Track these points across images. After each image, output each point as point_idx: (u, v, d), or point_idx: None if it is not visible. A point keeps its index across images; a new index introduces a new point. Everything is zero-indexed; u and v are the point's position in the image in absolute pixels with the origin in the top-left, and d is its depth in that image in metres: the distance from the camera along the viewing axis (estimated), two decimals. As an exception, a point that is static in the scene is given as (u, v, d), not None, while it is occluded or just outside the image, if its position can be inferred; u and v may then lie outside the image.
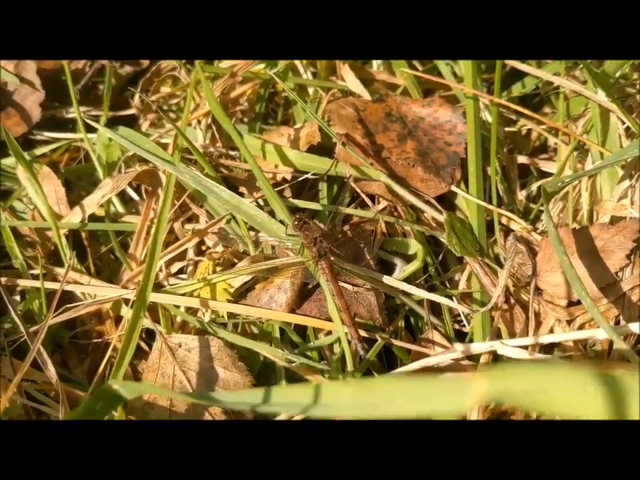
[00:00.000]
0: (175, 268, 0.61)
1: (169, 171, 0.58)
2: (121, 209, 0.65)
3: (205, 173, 0.60)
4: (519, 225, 0.61)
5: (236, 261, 0.60)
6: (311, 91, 0.71)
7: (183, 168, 0.58)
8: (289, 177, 0.61)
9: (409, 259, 0.59)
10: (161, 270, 0.60)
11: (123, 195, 0.66)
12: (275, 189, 0.58)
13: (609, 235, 0.56)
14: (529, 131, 0.72)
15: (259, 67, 0.71)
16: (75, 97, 0.71)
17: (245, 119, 0.71)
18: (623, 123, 0.62)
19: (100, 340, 0.59)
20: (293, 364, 0.54)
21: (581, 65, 0.66)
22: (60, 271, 0.60)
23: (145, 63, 0.81)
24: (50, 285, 0.58)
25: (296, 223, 0.54)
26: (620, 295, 0.54)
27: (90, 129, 0.71)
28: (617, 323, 0.55)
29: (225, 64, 0.75)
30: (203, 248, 0.63)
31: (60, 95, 0.78)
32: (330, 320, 0.55)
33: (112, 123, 0.71)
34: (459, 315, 0.59)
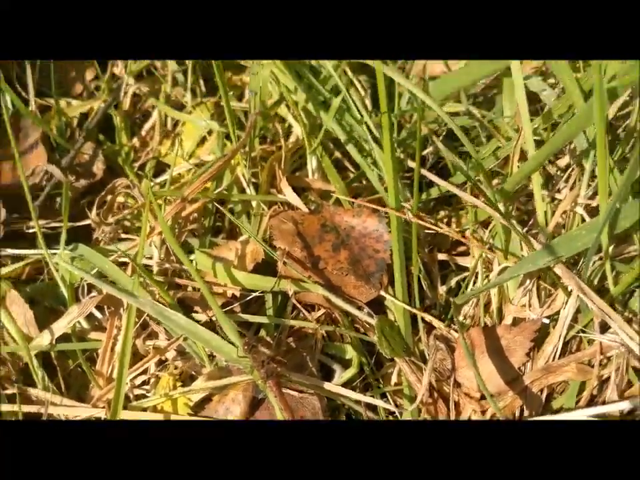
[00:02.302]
0: (138, 380, 0.68)
1: (129, 302, 0.65)
2: (85, 325, 0.72)
3: (161, 296, 0.68)
4: (440, 324, 0.70)
5: (194, 373, 0.67)
6: (254, 203, 0.79)
7: (142, 299, 0.65)
8: (237, 294, 0.70)
9: (346, 362, 0.68)
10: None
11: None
12: (225, 309, 0.66)
13: (511, 335, 0.66)
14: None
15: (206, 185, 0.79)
16: (35, 215, 0.77)
17: (196, 233, 0.79)
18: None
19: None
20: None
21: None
22: (33, 391, 0.67)
23: (99, 175, 0.89)
24: (26, 409, 0.64)
25: (245, 347, 0.62)
26: (522, 387, 0.65)
27: (50, 239, 0.78)
28: (521, 412, 0.65)
29: (174, 181, 0.83)
30: (162, 358, 0.70)
31: (18, 207, 0.84)
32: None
33: (70, 233, 0.78)
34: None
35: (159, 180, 0.87)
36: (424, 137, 0.85)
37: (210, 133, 0.89)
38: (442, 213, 0.85)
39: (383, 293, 0.71)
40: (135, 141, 0.92)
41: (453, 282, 0.77)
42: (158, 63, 0.96)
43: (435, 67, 0.95)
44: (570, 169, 0.73)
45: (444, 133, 0.88)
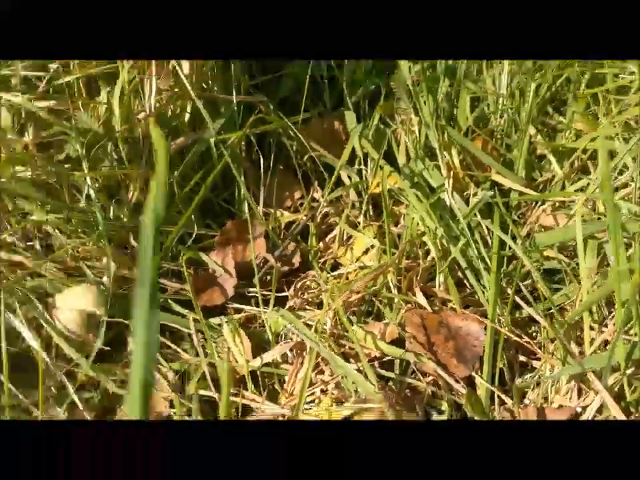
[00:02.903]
0: (308, 399, 1.07)
1: (313, 347, 1.06)
2: (279, 359, 1.13)
3: (330, 347, 1.08)
4: (509, 400, 1.04)
5: (343, 400, 1.05)
6: (396, 300, 1.18)
7: (322, 349, 1.06)
8: (378, 355, 1.08)
9: (441, 414, 1.03)
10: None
11: (280, 350, 1.15)
12: (370, 362, 1.05)
13: (553, 415, 0.98)
14: (530, 338, 1.16)
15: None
16: (258, 284, 1.21)
17: (355, 312, 1.19)
18: (578, 347, 1.05)
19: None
20: None
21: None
22: (246, 393, 1.08)
23: (296, 264, 1.32)
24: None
25: (379, 387, 0.99)
26: (557, 451, 0.95)
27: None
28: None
29: (345, 276, 1.25)
30: (324, 388, 1.09)
31: (242, 277, 1.29)
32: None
33: (275, 300, 1.20)
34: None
35: (334, 273, 1.29)
36: (528, 270, 1.20)
37: (372, 246, 1.30)
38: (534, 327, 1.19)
39: (474, 374, 1.06)
40: (321, 244, 1.36)
41: (527, 377, 1.10)
42: (343, 193, 1.40)
43: (547, 219, 1.31)
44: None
45: (542, 270, 1.22)
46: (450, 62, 1.50)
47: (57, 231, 1.16)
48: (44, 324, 1.03)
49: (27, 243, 1.15)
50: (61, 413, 0.92)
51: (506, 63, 1.40)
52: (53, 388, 0.99)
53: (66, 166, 1.19)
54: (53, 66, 1.22)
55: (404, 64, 1.39)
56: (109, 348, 1.06)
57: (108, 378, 1.02)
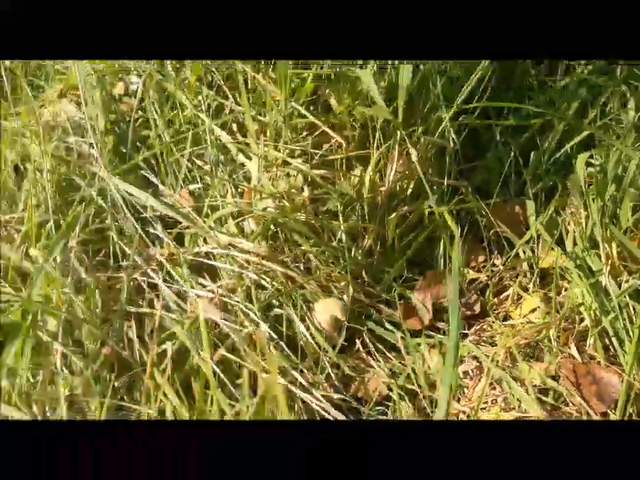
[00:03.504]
0: (481, 406, 1.48)
1: (490, 369, 1.47)
2: (461, 375, 1.56)
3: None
4: (635, 436, 1.38)
5: (507, 410, 1.45)
6: (554, 349, 1.57)
7: (498, 371, 1.47)
8: (537, 384, 1.47)
9: (581, 434, 1.40)
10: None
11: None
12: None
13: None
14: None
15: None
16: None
17: (521, 352, 1.59)
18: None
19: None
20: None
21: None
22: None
23: (477, 310, 1.75)
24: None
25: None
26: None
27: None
28: None
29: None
30: (494, 400, 1.50)
31: (436, 312, 1.73)
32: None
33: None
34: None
35: (505, 323, 1.70)
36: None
37: (538, 307, 1.70)
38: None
39: (608, 410, 1.42)
40: (496, 300, 1.77)
41: (650, 421, 1.44)
42: (518, 264, 1.81)
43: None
44: None
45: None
46: (619, 171, 1.89)
47: (315, 259, 1.68)
48: (307, 320, 1.54)
49: (295, 264, 1.68)
50: (322, 378, 1.41)
51: (667, 178, 1.76)
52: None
53: (326, 216, 1.72)
54: (326, 146, 1.79)
55: (580, 168, 1.80)
56: (346, 343, 1.55)
57: (345, 363, 1.50)
